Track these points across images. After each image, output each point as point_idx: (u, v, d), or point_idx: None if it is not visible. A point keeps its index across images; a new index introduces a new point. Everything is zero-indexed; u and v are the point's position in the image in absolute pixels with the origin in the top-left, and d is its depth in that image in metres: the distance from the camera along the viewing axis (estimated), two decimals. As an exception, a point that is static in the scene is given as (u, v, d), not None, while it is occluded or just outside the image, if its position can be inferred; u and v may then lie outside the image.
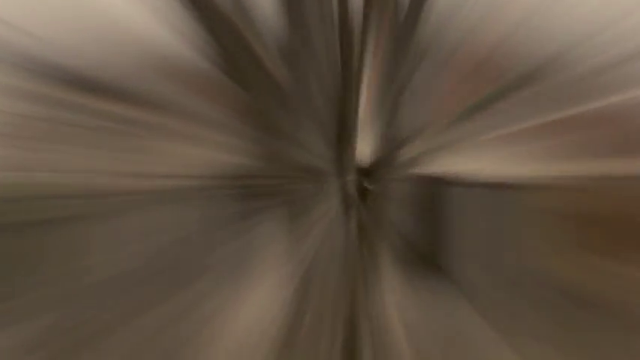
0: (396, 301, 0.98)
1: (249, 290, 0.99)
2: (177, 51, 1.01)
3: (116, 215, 1.00)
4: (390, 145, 1.01)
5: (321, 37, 1.00)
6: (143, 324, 0.97)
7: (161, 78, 1.01)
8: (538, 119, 0.99)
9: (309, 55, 1.01)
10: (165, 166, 1.01)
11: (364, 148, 1.01)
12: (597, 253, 0.97)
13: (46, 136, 1.00)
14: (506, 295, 0.98)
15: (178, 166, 1.01)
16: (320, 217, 1.00)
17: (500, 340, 0.95)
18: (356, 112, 1.01)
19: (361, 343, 0.97)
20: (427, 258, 1.00)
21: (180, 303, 0.98)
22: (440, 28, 1.01)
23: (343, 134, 1.01)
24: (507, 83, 1.00)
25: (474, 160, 1.00)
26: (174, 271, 0.99)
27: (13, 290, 1.00)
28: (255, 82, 1.00)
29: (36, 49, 0.99)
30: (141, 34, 1.01)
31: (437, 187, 1.01)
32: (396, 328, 0.97)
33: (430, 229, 1.00)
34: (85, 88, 1.00)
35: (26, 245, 1.00)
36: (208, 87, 1.01)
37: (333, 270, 0.99)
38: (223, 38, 1.00)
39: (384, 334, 0.97)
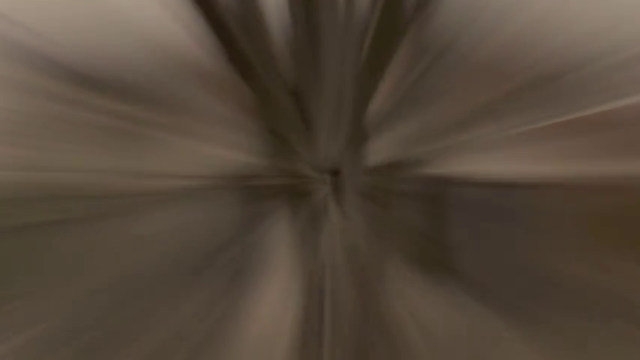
0: (410, 301, 0.97)
1: (261, 291, 0.97)
2: (185, 48, 0.99)
3: (123, 216, 0.98)
4: (403, 144, 1.00)
5: (334, 36, 0.99)
6: (154, 327, 0.95)
7: (169, 75, 1.00)
8: (551, 119, 0.99)
9: (321, 53, 0.99)
10: (173, 165, 0.99)
11: (377, 147, 1.00)
12: (611, 252, 0.97)
13: (53, 134, 0.98)
14: (519, 294, 0.97)
15: (188, 166, 0.99)
16: (332, 217, 0.99)
17: (517, 340, 0.95)
18: (368, 111, 1.00)
19: (375, 343, 0.96)
20: (440, 258, 0.99)
21: (191, 306, 0.96)
22: (453, 28, 1.00)
23: (356, 134, 1.00)
24: (521, 83, 0.99)
25: (487, 160, 1.00)
26: (183, 274, 0.97)
27: (14, 294, 0.97)
28: (266, 80, 0.99)
29: (45, 48, 0.98)
30: (148, 31, 0.99)
31: (450, 187, 1.00)
32: (410, 328, 0.96)
33: (443, 230, 0.99)
34: (93, 87, 0.98)
35: (29, 247, 0.98)
36: (218, 85, 1.00)
37: (346, 270, 0.97)
38: (232, 36, 0.99)
39: (397, 334, 0.96)
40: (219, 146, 0.99)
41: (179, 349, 0.95)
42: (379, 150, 1.00)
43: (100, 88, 0.99)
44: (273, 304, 0.97)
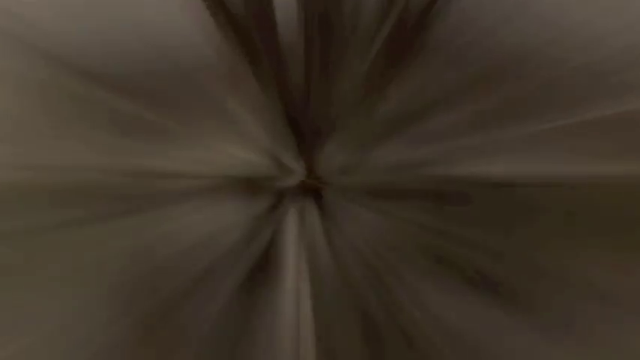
0: (423, 299, 0.97)
1: (272, 291, 0.97)
2: (196, 48, 0.98)
3: (133, 216, 0.96)
4: (416, 146, 1.00)
5: (343, 37, 0.99)
6: (166, 327, 0.94)
7: (179, 75, 0.98)
8: (562, 120, 1.00)
9: (332, 54, 0.99)
10: (184, 164, 0.98)
11: (387, 148, 1.00)
12: (629, 254, 0.98)
13: (61, 133, 0.96)
14: (540, 295, 0.98)
15: (199, 165, 0.98)
16: (343, 217, 0.98)
17: (539, 341, 0.95)
18: (379, 112, 1.00)
19: (391, 342, 0.96)
20: (451, 257, 0.99)
21: (202, 305, 0.95)
22: (461, 31, 1.00)
23: (367, 134, 0.99)
24: (530, 85, 0.99)
25: (497, 160, 1.00)
26: (193, 274, 0.96)
27: (16, 296, 0.95)
28: (277, 81, 0.98)
29: (57, 46, 0.96)
30: (159, 30, 0.98)
31: (460, 187, 1.00)
32: (427, 326, 0.96)
33: (454, 229, 1.00)
34: (103, 85, 0.97)
35: (31, 250, 0.96)
36: (229, 85, 0.99)
37: (358, 270, 0.97)
38: (243, 36, 0.98)
39: (414, 333, 0.96)
40: (229, 146, 0.99)
41: (191, 348, 0.94)
42: (390, 150, 1.00)
43: (111, 87, 0.97)
44: (286, 304, 0.96)
